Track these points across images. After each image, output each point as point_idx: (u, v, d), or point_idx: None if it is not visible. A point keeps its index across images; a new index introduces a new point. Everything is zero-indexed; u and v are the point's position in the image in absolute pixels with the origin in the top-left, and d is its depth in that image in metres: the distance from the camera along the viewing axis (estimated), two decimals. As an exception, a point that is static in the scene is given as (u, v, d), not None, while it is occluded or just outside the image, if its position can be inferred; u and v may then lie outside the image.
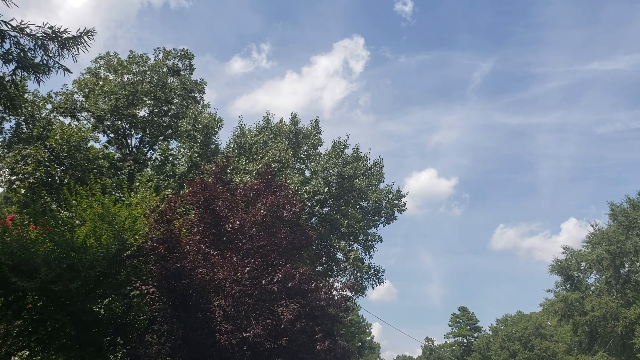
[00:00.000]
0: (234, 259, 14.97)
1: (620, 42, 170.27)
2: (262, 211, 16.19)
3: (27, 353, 16.56)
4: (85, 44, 11.64)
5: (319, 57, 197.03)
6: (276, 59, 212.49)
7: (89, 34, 11.61)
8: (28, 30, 11.20)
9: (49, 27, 11.30)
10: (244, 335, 13.56)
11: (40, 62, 11.60)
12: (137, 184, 19.66)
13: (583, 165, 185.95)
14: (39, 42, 11.32)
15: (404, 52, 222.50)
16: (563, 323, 62.66)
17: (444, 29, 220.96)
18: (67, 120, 33.14)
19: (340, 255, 32.26)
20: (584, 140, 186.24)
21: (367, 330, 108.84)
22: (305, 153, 33.99)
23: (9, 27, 11.06)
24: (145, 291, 14.72)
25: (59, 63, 11.73)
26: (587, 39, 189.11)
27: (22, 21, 11.03)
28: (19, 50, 11.33)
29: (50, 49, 11.52)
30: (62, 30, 11.38)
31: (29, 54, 11.45)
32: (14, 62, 11.43)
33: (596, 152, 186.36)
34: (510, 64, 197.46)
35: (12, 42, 11.28)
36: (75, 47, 11.59)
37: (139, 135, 35.82)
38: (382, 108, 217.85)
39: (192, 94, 36.54)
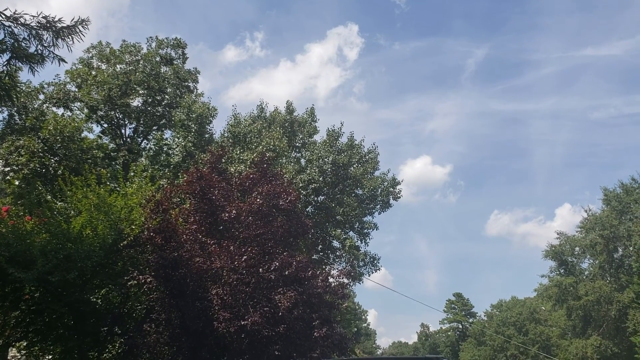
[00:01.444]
0: (231, 247, 15.00)
1: (615, 27, 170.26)
2: (258, 200, 16.20)
3: (25, 344, 16.61)
4: (79, 33, 11.56)
5: (313, 45, 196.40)
6: (270, 48, 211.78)
7: (84, 24, 11.53)
8: (22, 20, 11.11)
9: (43, 17, 11.20)
10: (242, 323, 13.62)
11: (35, 52, 11.51)
12: (132, 174, 19.63)
13: (577, 150, 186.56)
14: (34, 31, 11.22)
15: (398, 39, 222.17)
16: (557, 308, 63.22)
17: (438, 15, 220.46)
18: (60, 111, 32.98)
19: (336, 243, 32.40)
20: (578, 126, 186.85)
21: (363, 317, 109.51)
22: (301, 142, 33.98)
23: (3, 16, 10.97)
24: (143, 281, 14.75)
25: (53, 53, 11.66)
26: (582, 24, 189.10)
27: (15, 11, 10.96)
28: (12, 40, 11.24)
29: (45, 38, 11.44)
30: (56, 19, 11.30)
31: (23, 44, 11.36)
32: (8, 52, 11.35)
33: (590, 137, 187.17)
34: (505, 51, 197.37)
35: (6, 32, 11.20)
36: (70, 36, 11.50)
37: (133, 125, 35.66)
38: (377, 96, 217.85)
39: (186, 84, 36.37)
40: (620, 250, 54.33)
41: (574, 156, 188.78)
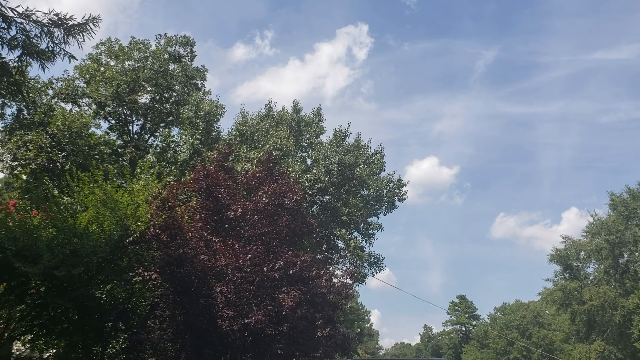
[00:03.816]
0: (236, 246, 15.06)
1: (625, 31, 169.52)
2: (263, 199, 16.26)
3: (29, 337, 16.71)
4: (90, 31, 11.64)
5: (322, 44, 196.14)
6: (279, 46, 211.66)
7: (95, 21, 11.62)
8: (34, 17, 11.19)
9: (54, 14, 11.29)
10: (246, 321, 13.67)
11: (46, 49, 11.61)
12: (139, 170, 19.69)
13: (585, 155, 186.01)
14: (45, 29, 11.31)
15: (408, 39, 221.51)
16: (561, 312, 63.06)
17: (448, 16, 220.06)
18: (69, 107, 33.16)
19: (340, 243, 32.43)
20: (587, 130, 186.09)
21: (366, 318, 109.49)
22: (307, 141, 34.04)
23: (15, 13, 11.06)
24: (148, 277, 14.82)
25: (64, 50, 11.74)
26: (592, 27, 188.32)
27: (27, 8, 11.06)
28: (24, 37, 11.34)
29: (56, 35, 11.52)
30: (67, 17, 11.38)
31: (35, 41, 11.46)
32: (19, 49, 11.44)
33: (598, 141, 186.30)
34: (514, 53, 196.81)
35: (18, 28, 11.29)
36: (80, 34, 11.59)
37: (140, 122, 35.81)
38: (385, 96, 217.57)
39: (193, 81, 36.51)
40: (626, 255, 54.19)
41: (581, 160, 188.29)
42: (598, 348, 52.33)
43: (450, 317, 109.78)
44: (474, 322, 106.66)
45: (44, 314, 15.56)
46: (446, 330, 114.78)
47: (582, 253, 57.94)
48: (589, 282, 56.89)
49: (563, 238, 59.78)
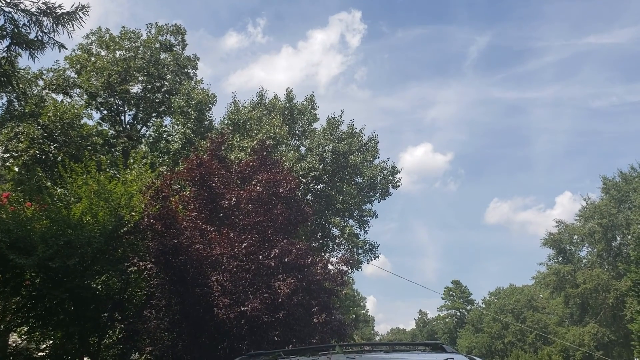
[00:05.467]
0: (231, 234, 15.05)
1: (618, 15, 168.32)
2: (258, 188, 16.23)
3: (26, 329, 16.72)
4: (80, 19, 11.56)
5: (315, 32, 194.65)
6: (272, 34, 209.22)
7: (84, 10, 11.52)
8: (22, 6, 11.13)
9: (43, 3, 11.19)
10: (242, 309, 13.69)
11: (35, 39, 11.51)
12: (132, 160, 19.61)
13: (578, 139, 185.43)
14: (34, 18, 11.22)
15: (401, 26, 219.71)
16: (555, 295, 63.67)
17: (441, 2, 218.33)
18: (60, 97, 32.94)
19: (335, 231, 32.51)
20: (580, 114, 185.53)
21: (362, 304, 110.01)
22: (301, 129, 33.96)
23: (3, 2, 10.96)
24: (143, 267, 14.82)
25: (53, 39, 11.66)
26: (585, 12, 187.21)
27: (15, -4, 10.96)
28: (12, 26, 11.24)
29: (45, 25, 11.43)
30: (56, 5, 11.29)
31: (23, 30, 11.36)
32: (8, 39, 11.35)
33: (591, 126, 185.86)
34: (507, 38, 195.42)
35: (6, 18, 11.20)
36: (70, 23, 11.50)
37: (132, 112, 35.65)
38: (378, 83, 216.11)
39: (185, 70, 36.33)
40: (619, 238, 54.63)
41: (575, 144, 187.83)
42: (591, 330, 52.91)
43: (445, 302, 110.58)
44: (468, 307, 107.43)
45: (39, 305, 15.55)
46: (441, 315, 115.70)
47: (576, 237, 58.37)
48: (582, 265, 57.36)
49: (556, 222, 60.25)
